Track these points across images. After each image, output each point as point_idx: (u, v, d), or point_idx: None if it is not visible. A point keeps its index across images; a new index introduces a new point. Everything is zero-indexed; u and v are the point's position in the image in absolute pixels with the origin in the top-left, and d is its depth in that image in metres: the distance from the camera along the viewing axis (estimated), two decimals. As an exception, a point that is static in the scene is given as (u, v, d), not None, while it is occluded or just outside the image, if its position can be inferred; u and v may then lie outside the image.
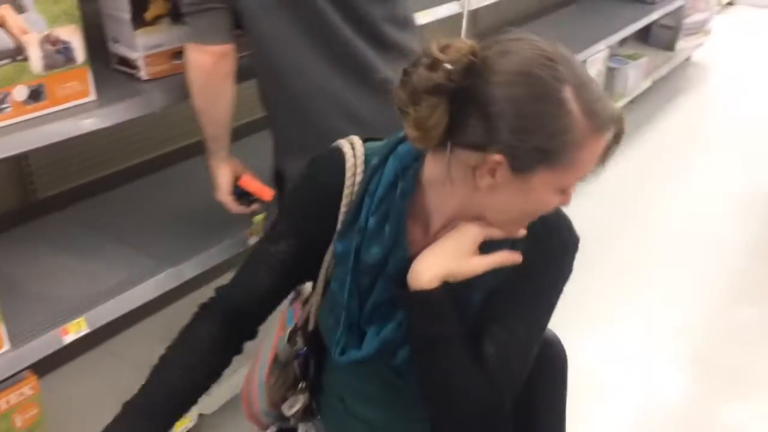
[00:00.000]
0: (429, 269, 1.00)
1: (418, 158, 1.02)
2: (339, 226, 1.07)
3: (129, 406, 1.06)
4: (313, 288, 1.18)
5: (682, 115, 4.61)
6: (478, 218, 1.01)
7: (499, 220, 1.00)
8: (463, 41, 0.91)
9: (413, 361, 1.06)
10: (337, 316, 1.10)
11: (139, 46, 1.59)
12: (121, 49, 1.64)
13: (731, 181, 3.82)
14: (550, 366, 1.26)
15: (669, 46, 4.86)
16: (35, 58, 1.36)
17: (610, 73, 4.04)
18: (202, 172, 1.74)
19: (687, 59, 5.30)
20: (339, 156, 1.08)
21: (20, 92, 1.37)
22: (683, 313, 2.79)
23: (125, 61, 1.64)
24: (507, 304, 1.05)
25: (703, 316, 2.78)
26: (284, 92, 1.53)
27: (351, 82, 1.52)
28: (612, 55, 4.02)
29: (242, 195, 1.73)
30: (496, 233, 1.01)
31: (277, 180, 1.65)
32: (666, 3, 4.45)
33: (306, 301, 1.26)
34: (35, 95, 1.39)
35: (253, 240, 1.86)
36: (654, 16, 4.31)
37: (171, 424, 1.08)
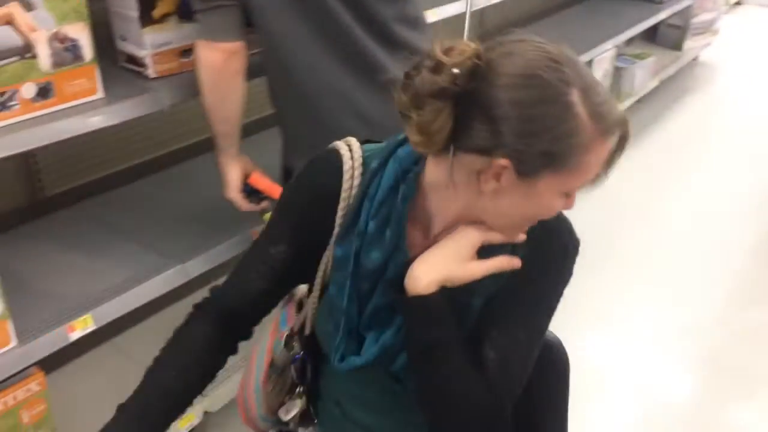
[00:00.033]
0: (426, 274, 0.98)
1: (418, 161, 1.00)
2: (337, 229, 1.06)
3: (123, 409, 1.05)
4: (309, 291, 1.16)
5: (689, 115, 4.60)
6: (477, 222, 0.99)
7: (501, 224, 0.99)
8: (467, 43, 0.89)
9: (411, 366, 1.04)
10: (336, 321, 1.08)
11: (147, 44, 1.59)
12: (129, 47, 1.64)
13: (739, 180, 3.80)
14: (551, 369, 1.25)
15: (676, 46, 4.84)
16: (44, 56, 1.37)
17: (618, 72, 4.03)
18: (211, 170, 1.74)
19: (694, 59, 5.28)
20: (336, 158, 1.06)
21: (28, 90, 1.37)
22: (691, 314, 2.77)
23: (133, 59, 1.64)
24: (507, 307, 1.04)
25: (710, 316, 2.77)
26: (294, 90, 1.53)
27: (361, 82, 1.51)
28: (619, 55, 4.01)
29: (252, 192, 1.72)
30: (495, 237, 1.00)
31: (286, 177, 1.65)
32: (673, 2, 4.42)
33: (300, 304, 1.25)
34: (43, 93, 1.39)
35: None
36: (661, 15, 4.29)
37: (166, 425, 1.07)
